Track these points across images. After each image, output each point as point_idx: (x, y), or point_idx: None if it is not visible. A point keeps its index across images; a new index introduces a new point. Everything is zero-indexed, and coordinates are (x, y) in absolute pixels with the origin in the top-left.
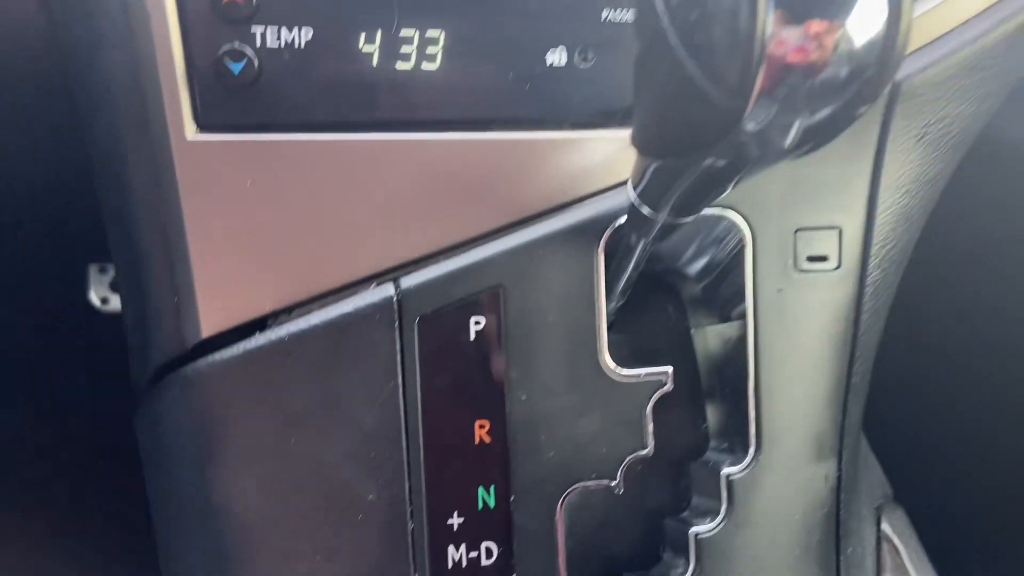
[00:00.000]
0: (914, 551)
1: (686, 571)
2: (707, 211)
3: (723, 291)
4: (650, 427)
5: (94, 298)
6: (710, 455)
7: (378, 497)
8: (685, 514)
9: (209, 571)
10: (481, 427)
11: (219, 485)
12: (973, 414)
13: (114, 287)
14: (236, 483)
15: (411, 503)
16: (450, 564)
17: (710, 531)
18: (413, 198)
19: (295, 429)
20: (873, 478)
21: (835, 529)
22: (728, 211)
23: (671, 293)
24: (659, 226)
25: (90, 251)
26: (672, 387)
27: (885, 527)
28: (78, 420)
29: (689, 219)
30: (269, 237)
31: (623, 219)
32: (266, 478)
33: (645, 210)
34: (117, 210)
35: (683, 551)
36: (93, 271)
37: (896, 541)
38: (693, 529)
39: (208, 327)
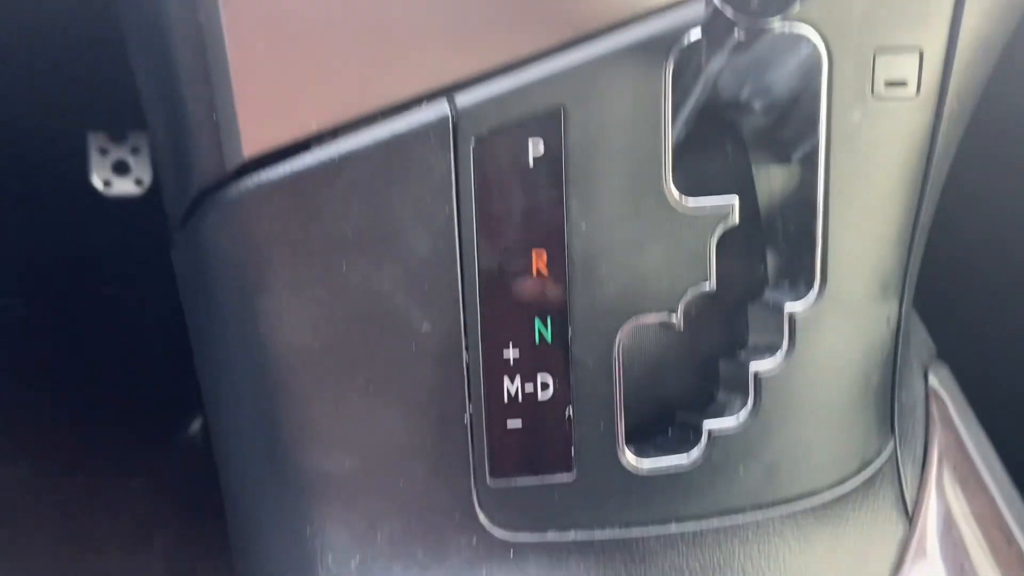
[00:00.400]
0: (960, 405)
1: (743, 409)
2: (781, 28)
3: (789, 126)
4: (713, 261)
5: (96, 181)
6: (770, 295)
7: (432, 328)
8: (742, 355)
9: (257, 407)
10: (539, 257)
11: (265, 315)
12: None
13: (117, 168)
14: (283, 313)
15: (466, 335)
16: (506, 397)
17: (771, 369)
18: (470, 11)
19: (344, 255)
20: (919, 336)
21: (892, 373)
22: (803, 26)
23: (733, 128)
24: (738, 35)
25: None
26: (736, 222)
27: (932, 381)
28: (83, 305)
29: (775, 18)
30: (315, 50)
31: (695, 33)
32: (314, 307)
33: (728, 10)
34: (144, 19)
35: (739, 390)
36: (94, 151)
37: (943, 395)
38: (753, 365)
39: (250, 147)
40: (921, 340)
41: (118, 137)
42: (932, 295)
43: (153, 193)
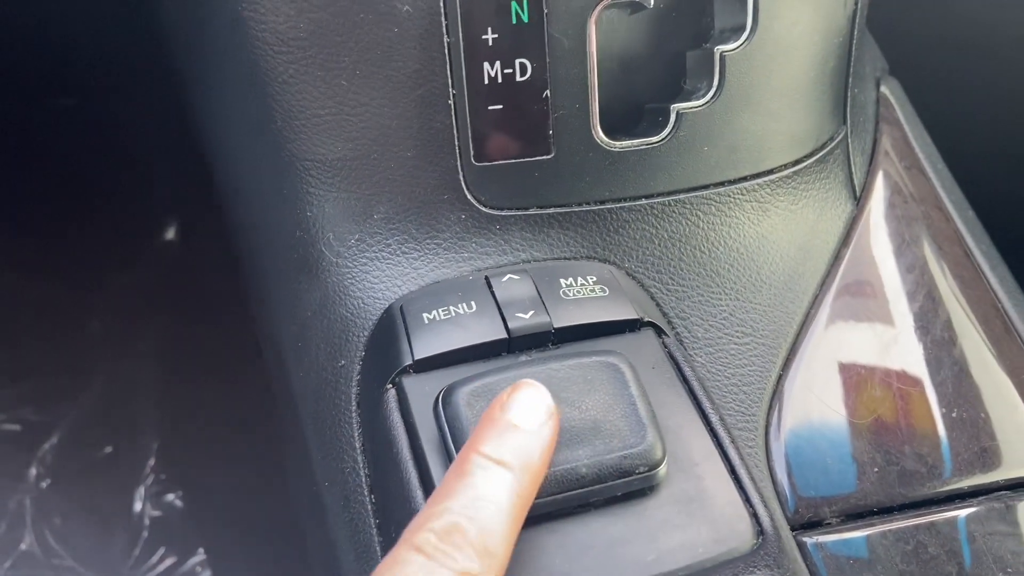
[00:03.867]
0: (907, 110)
1: (708, 91)
2: None
3: None
4: None
5: None
6: None
7: (413, 9)
8: (707, 43)
9: (250, 94)
10: None
11: (250, 2)
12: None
13: None
14: None
15: (446, 16)
16: (486, 79)
17: (735, 48)
18: None
19: None
20: (873, 52)
21: (847, 63)
22: None
23: None
24: None
25: None
26: None
27: (883, 90)
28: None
29: None
30: None
31: None
32: None
33: None
34: None
35: (705, 76)
36: None
37: (892, 100)
38: (719, 48)
39: None
40: (875, 55)
41: None
42: (884, 16)
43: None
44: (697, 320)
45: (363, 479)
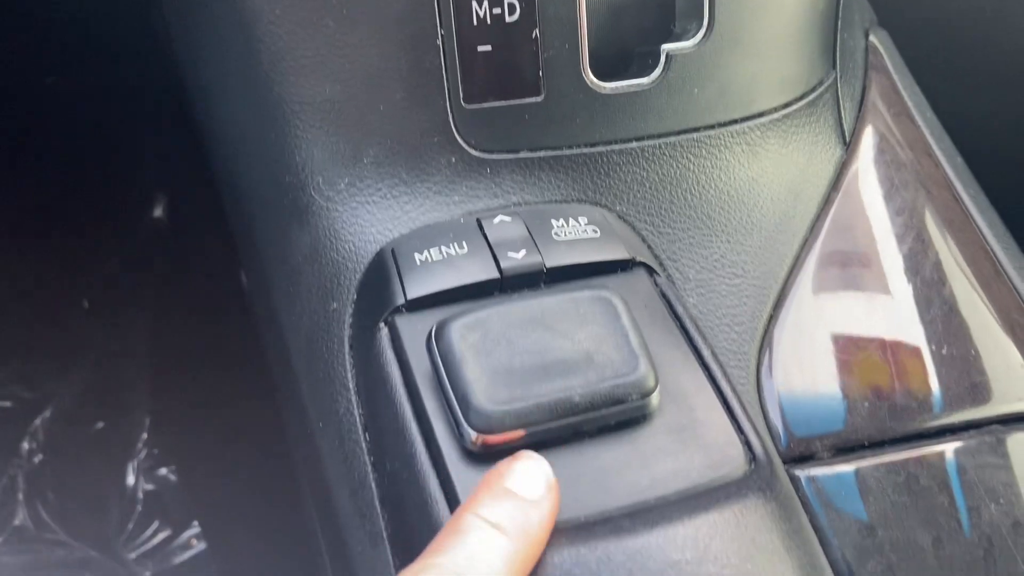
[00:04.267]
0: (896, 59)
1: (698, 32)
2: None
3: None
4: None
5: None
6: None
7: None
8: None
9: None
10: None
11: None
12: None
13: None
14: None
15: None
16: (475, 20)
17: None
18: None
19: None
20: (861, 3)
21: (836, 4)
22: None
23: None
24: None
25: None
26: None
27: (872, 39)
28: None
29: None
30: None
31: None
32: None
33: None
34: None
35: (695, 17)
36: None
37: (882, 49)
38: None
39: None
40: (863, 6)
41: None
42: None
43: None
44: (688, 262)
45: (357, 418)
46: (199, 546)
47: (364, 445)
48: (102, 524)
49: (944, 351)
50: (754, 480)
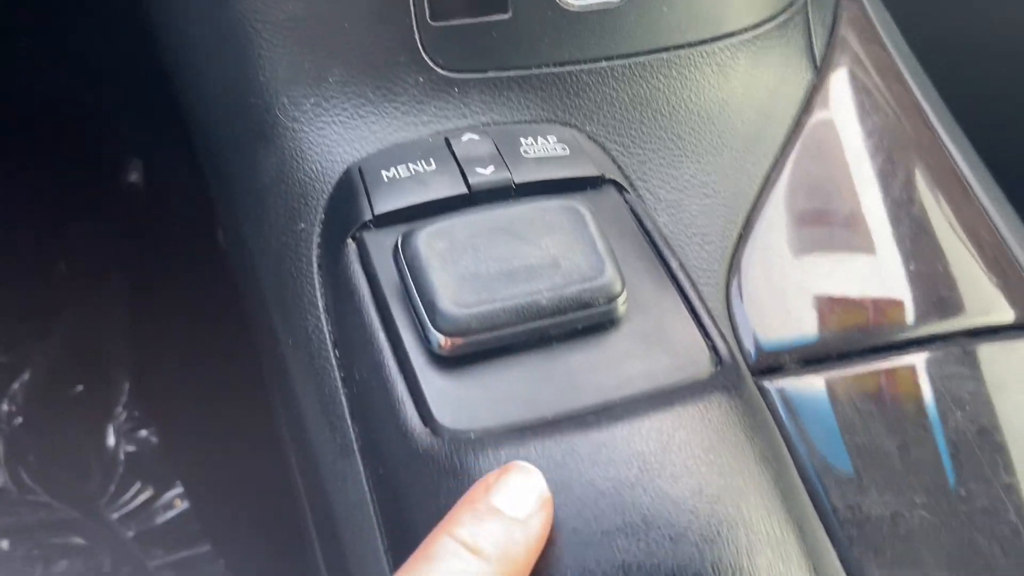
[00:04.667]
0: None
1: None
2: None
3: None
4: None
5: None
6: None
7: None
8: None
9: None
10: None
11: None
12: None
13: None
14: None
15: None
16: None
17: None
18: None
19: None
20: None
21: None
22: None
23: None
24: None
25: None
26: None
27: None
28: None
29: None
30: None
31: None
32: None
33: None
34: None
35: None
36: None
37: None
38: None
39: None
40: None
41: None
42: None
43: None
44: (659, 182)
45: (327, 335)
46: (182, 506)
47: (334, 361)
48: (84, 486)
49: (912, 267)
50: (720, 380)
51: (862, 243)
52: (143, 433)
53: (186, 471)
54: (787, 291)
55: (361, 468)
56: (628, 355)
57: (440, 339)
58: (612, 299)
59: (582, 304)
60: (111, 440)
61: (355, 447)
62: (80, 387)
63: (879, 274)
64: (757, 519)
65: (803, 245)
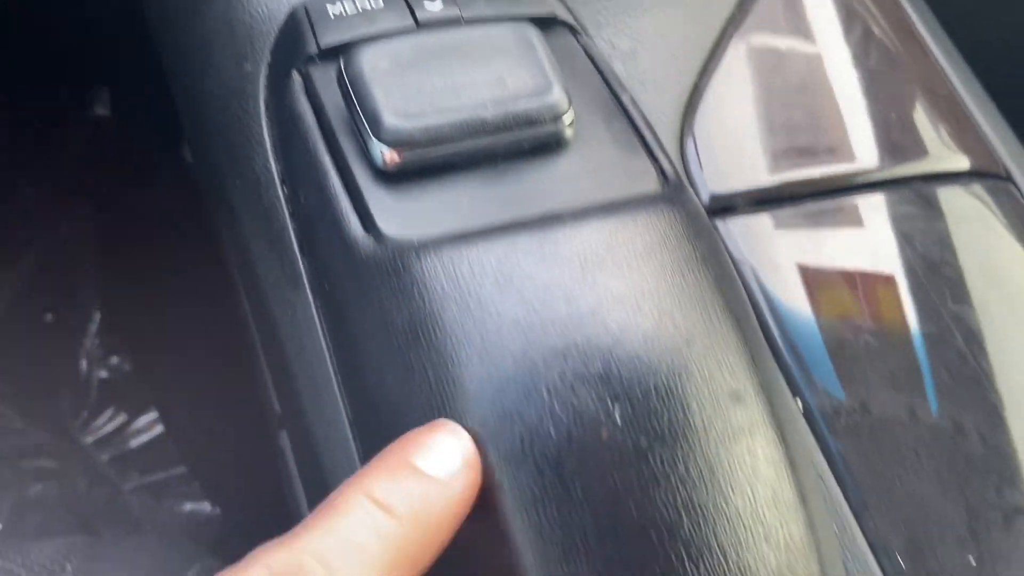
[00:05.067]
0: None
1: None
2: None
3: None
4: None
5: None
6: None
7: None
8: None
9: None
10: None
11: None
12: None
13: None
14: None
15: None
16: None
17: None
18: None
19: None
20: None
21: None
22: None
23: None
24: None
25: None
26: None
27: None
28: None
29: None
30: None
31: None
32: None
33: None
34: None
35: None
36: None
37: None
38: None
39: None
40: None
41: None
42: None
43: None
44: (614, 31)
45: (274, 173)
46: (156, 428)
47: (282, 196)
48: (56, 409)
49: (868, 116)
50: (666, 194)
51: (817, 92)
52: (115, 360)
53: (160, 395)
54: (742, 139)
55: (310, 297)
56: (574, 175)
57: (384, 151)
58: (557, 117)
59: (528, 120)
60: (83, 365)
61: (304, 279)
62: (49, 316)
63: (834, 119)
64: (692, 308)
65: (759, 95)
